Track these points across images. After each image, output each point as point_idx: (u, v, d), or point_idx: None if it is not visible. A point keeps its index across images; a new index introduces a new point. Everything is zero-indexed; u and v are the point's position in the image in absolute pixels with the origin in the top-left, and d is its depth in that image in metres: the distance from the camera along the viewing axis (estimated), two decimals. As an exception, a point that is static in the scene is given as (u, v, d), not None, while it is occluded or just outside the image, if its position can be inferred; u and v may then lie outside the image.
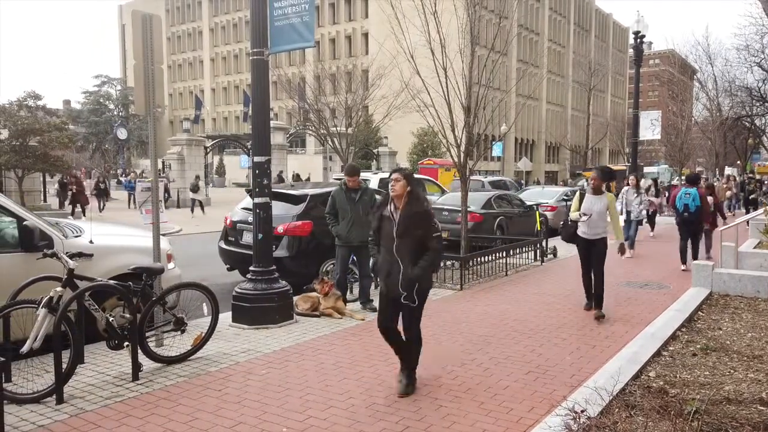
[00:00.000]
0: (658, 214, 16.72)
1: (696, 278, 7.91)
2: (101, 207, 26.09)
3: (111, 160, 55.21)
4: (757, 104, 27.53)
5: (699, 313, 6.79)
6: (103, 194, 26.92)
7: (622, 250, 7.17)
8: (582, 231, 7.01)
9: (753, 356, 5.14)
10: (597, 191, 6.99)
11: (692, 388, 4.25)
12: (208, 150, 30.64)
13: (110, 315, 4.83)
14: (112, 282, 4.87)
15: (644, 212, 12.81)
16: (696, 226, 10.14)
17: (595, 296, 6.91)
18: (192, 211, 23.99)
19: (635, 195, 12.56)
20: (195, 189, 25.07)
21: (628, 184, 13.04)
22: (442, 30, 9.18)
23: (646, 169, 42.19)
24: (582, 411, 2.61)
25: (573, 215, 7.09)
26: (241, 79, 72.24)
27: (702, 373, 4.68)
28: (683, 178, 27.15)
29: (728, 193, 22.07)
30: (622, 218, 10.89)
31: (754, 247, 10.23)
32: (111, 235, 6.22)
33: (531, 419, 3.93)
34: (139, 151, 66.80)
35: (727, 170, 34.53)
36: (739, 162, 41.05)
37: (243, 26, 72.26)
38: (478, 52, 9.23)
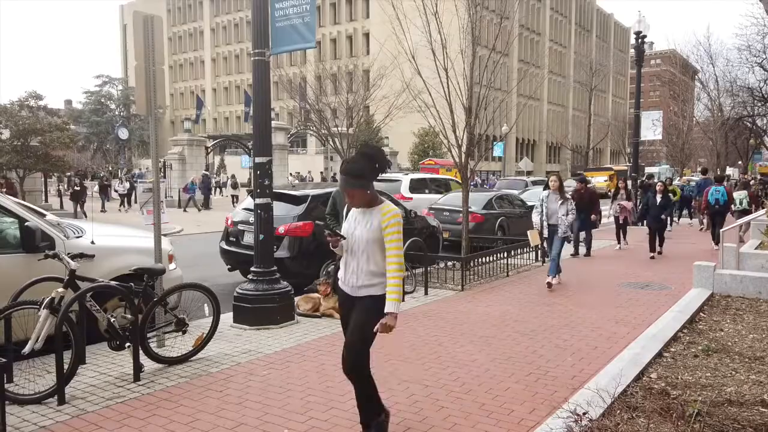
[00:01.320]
0: (629, 223, 14.31)
1: (697, 279, 7.90)
2: (103, 207, 26.14)
3: (112, 160, 55.25)
4: (759, 104, 27.49)
5: (700, 314, 6.78)
6: (105, 194, 26.98)
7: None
8: None
9: (755, 358, 5.13)
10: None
11: (694, 390, 4.24)
12: (210, 150, 30.67)
13: (112, 316, 4.83)
14: (113, 283, 4.87)
15: (569, 229, 9.07)
16: (723, 216, 13.11)
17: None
18: (233, 204, 27.14)
19: (559, 202, 8.98)
20: (234, 186, 31.71)
21: (547, 187, 9.54)
22: (443, 30, 9.18)
23: (648, 169, 42.17)
24: (584, 413, 2.61)
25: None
26: (242, 79, 72.30)
27: (703, 375, 4.67)
28: (687, 177, 27.07)
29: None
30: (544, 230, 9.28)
31: (756, 248, 10.22)
32: (112, 236, 6.22)
33: (532, 421, 3.92)
34: (141, 151, 66.88)
35: (728, 170, 34.49)
36: (740, 162, 41.02)
37: (244, 26, 72.33)
38: (479, 52, 9.22)
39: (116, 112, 67.79)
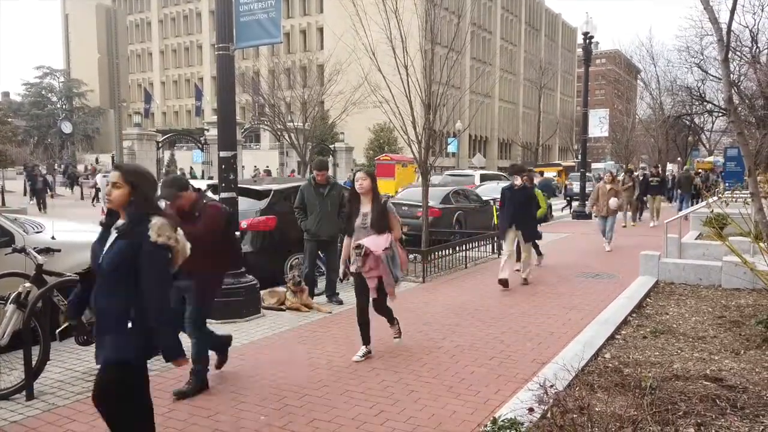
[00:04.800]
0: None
1: (644, 268, 8.39)
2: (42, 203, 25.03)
3: (56, 155, 53.09)
4: (697, 103, 28.92)
5: (647, 300, 7.23)
6: (44, 190, 25.80)
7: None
8: None
9: (697, 337, 5.55)
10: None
11: (644, 367, 4.58)
12: (160, 145, 29.91)
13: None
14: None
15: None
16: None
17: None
18: None
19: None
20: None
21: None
22: (403, 28, 9.35)
23: (594, 165, 43.73)
24: (551, 386, 2.84)
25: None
26: (193, 72, 70.63)
27: (652, 354, 5.04)
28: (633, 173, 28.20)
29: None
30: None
31: (696, 238, 10.89)
32: (75, 231, 6.12)
33: (498, 400, 4.15)
34: (85, 146, 64.50)
35: (669, 166, 36.15)
36: (679, 159, 43.06)
37: (194, 18, 70.62)
38: (438, 52, 9.45)
39: (58, 105, 65.11)
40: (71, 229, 6.19)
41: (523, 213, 8.48)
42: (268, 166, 37.10)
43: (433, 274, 9.10)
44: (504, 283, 8.05)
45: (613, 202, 11.96)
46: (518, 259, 8.92)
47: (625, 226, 16.39)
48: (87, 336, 4.78)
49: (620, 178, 16.99)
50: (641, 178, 18.33)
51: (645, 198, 18.31)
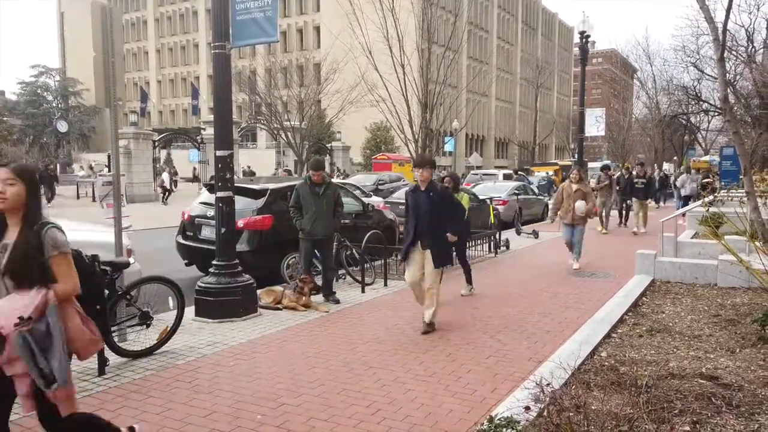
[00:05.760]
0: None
1: (640, 266, 8.41)
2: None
3: (52, 154, 52.92)
4: (693, 102, 29.02)
5: (643, 298, 7.25)
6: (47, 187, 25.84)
7: None
8: None
9: (693, 336, 5.57)
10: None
11: (640, 366, 4.59)
12: (157, 144, 29.83)
13: (74, 310, 4.75)
14: (76, 277, 4.79)
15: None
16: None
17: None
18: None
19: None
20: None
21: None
22: (400, 27, 9.36)
23: (590, 164, 43.86)
24: (547, 384, 2.84)
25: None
26: (189, 71, 70.47)
27: (648, 352, 5.05)
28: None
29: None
30: None
31: (692, 237, 10.92)
32: (72, 231, 6.08)
33: (494, 399, 4.16)
34: (81, 145, 64.35)
35: (665, 165, 36.29)
36: (675, 158, 43.20)
37: (190, 17, 70.43)
38: (435, 51, 9.47)
39: (54, 104, 64.93)
40: (68, 228, 6.15)
41: (432, 225, 5.94)
42: (287, 165, 36.62)
43: (430, 273, 9.09)
44: (428, 328, 5.90)
45: (580, 206, 9.45)
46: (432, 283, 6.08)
47: (606, 233, 14.68)
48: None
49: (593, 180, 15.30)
50: (626, 176, 16.09)
51: (629, 201, 15.91)
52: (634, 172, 16.41)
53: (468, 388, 4.41)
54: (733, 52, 21.32)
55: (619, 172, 18.03)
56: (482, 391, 4.34)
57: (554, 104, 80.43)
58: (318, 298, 7.28)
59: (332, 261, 7.57)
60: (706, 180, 18.25)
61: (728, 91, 6.89)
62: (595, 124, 28.55)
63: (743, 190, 5.80)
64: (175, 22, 73.01)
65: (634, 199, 15.33)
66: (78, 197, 29.50)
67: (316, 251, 7.43)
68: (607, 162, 47.47)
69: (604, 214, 14.86)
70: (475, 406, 4.06)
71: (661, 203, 24.03)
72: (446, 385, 4.47)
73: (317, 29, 60.03)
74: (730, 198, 7.62)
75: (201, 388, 4.43)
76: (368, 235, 8.23)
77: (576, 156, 24.60)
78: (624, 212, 16.34)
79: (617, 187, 15.85)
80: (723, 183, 18.75)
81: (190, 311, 6.42)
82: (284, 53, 50.36)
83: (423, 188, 6.03)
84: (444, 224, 6.02)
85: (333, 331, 6.01)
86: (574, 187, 9.69)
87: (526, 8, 78.62)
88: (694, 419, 3.56)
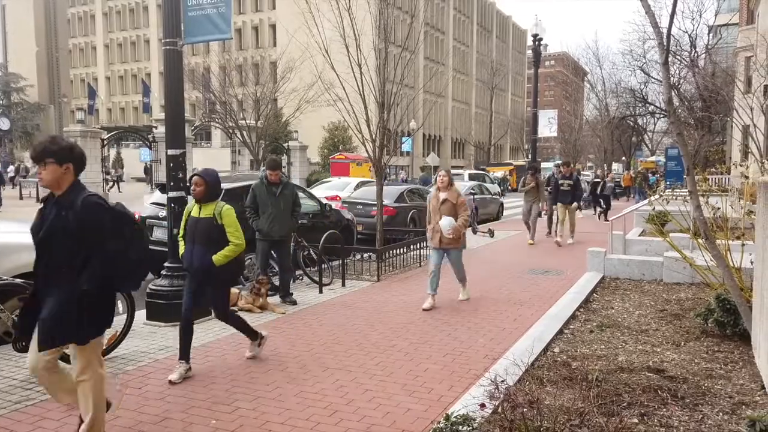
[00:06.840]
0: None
1: (591, 263, 8.66)
2: None
3: (-8, 153, 50.47)
4: (640, 105, 30.12)
5: (594, 295, 7.46)
6: None
7: None
8: None
9: (641, 331, 5.77)
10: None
11: (591, 360, 4.72)
12: (106, 142, 28.83)
13: (16, 316, 4.56)
14: (18, 280, 4.59)
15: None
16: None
17: None
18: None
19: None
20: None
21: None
22: (357, 26, 9.33)
23: (543, 164, 44.90)
24: (502, 381, 2.89)
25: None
26: (140, 67, 68.41)
27: (598, 347, 5.20)
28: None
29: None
30: None
31: (639, 235, 11.32)
32: (12, 233, 5.82)
33: (451, 397, 4.19)
34: (24, 143, 61.54)
35: (614, 166, 37.46)
36: (624, 158, 44.69)
37: (141, 12, 68.38)
38: (392, 51, 9.48)
39: (-6, 100, 61.92)
40: (7, 230, 5.89)
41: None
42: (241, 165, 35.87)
43: (388, 272, 9.12)
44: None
45: (445, 224, 6.79)
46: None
47: (532, 243, 12.64)
48: (26, 342, 4.56)
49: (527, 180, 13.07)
50: (555, 177, 13.55)
51: (555, 206, 13.21)
52: (559, 172, 13.99)
53: (425, 387, 4.44)
54: (677, 57, 22.17)
55: (550, 172, 16.20)
56: (439, 390, 4.37)
57: (509, 105, 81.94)
58: (275, 299, 7.18)
59: (289, 261, 7.48)
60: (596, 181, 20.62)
61: (672, 94, 7.15)
62: (547, 125, 29.18)
63: (687, 190, 6.04)
64: (125, 16, 70.71)
65: (558, 204, 12.81)
66: (21, 197, 28.29)
67: (272, 252, 7.33)
68: (559, 161, 48.73)
69: (530, 221, 12.90)
70: (432, 405, 4.09)
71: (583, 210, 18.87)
72: (403, 384, 4.48)
73: (273, 27, 59.28)
74: (674, 197, 7.93)
75: (152, 394, 4.30)
76: (326, 235, 8.17)
77: (530, 156, 25.13)
78: (555, 219, 13.38)
79: (548, 189, 13.52)
80: (668, 182, 19.47)
81: (141, 315, 6.23)
82: (239, 51, 49.50)
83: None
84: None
85: (290, 332, 5.95)
86: (442, 196, 6.93)
87: (481, 11, 79.80)
88: (642, 411, 3.68)
